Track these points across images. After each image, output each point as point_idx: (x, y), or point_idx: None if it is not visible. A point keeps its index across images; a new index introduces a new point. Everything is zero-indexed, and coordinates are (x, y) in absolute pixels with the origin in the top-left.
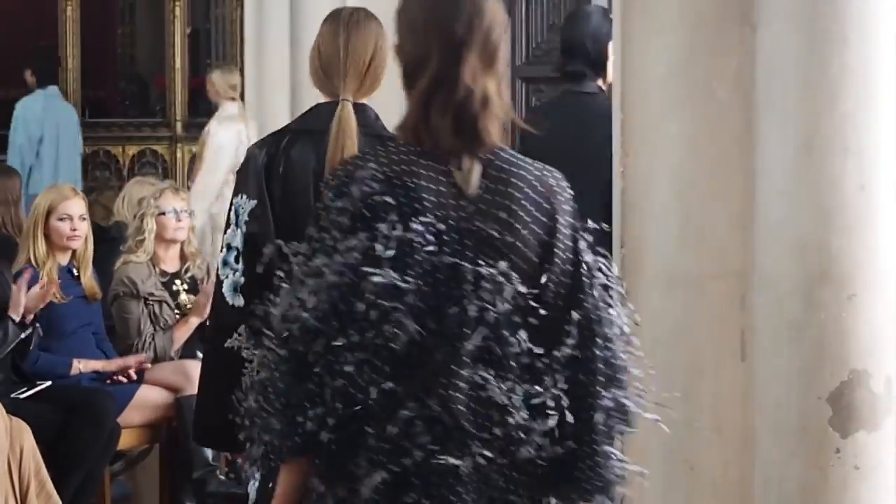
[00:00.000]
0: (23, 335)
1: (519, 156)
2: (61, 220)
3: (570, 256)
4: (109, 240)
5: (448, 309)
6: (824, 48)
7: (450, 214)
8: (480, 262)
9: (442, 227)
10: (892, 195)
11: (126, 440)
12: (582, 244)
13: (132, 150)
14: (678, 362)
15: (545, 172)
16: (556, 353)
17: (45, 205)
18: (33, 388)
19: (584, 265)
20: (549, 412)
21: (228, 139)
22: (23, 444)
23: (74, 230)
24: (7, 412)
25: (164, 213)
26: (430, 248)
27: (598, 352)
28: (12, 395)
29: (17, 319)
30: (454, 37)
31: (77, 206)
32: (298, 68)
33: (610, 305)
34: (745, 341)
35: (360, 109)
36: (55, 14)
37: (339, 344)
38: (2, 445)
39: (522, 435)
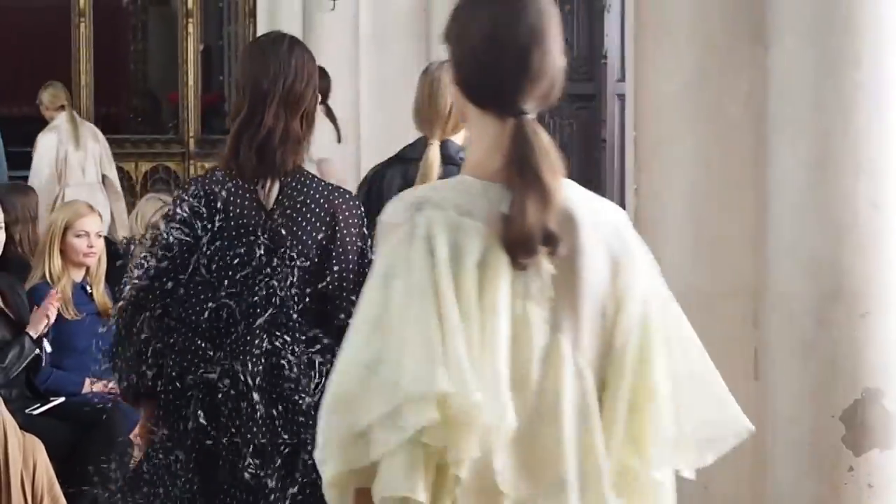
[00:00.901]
0: (38, 351)
1: (315, 178)
2: (78, 236)
3: (354, 258)
4: (122, 256)
5: (244, 290)
6: (837, 67)
7: (250, 221)
8: (272, 256)
9: (242, 230)
10: None
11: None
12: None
13: (145, 166)
14: None
15: (335, 193)
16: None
17: (61, 221)
18: (47, 404)
19: (366, 268)
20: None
21: (48, 145)
22: (36, 460)
23: (91, 247)
24: (21, 428)
25: None
26: (228, 243)
27: None
28: (26, 411)
29: (35, 336)
30: (261, 90)
31: (93, 222)
32: None
33: None
34: (758, 359)
35: (444, 145)
36: (69, 31)
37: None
38: (15, 461)
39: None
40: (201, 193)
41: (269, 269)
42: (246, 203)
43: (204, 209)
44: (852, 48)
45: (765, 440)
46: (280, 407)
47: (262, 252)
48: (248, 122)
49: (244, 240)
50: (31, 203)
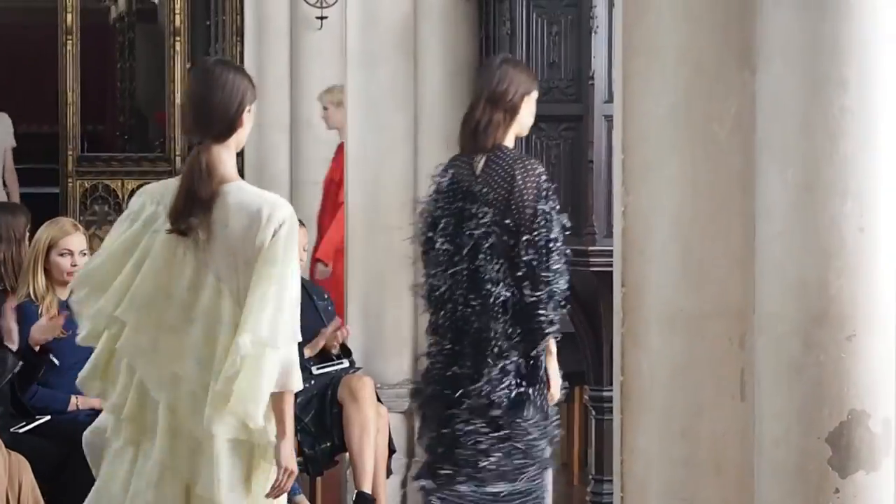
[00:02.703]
0: (20, 365)
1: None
2: (62, 255)
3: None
4: None
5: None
6: (824, 91)
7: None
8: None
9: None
10: (891, 237)
11: None
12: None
13: (131, 184)
14: (678, 401)
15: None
16: None
17: (45, 240)
18: (33, 422)
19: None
20: None
21: None
22: (21, 479)
23: (75, 265)
24: (6, 447)
25: None
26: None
27: None
28: (11, 430)
29: (14, 349)
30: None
31: (78, 240)
32: (298, 105)
33: None
34: (745, 381)
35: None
36: (56, 49)
37: None
38: (1, 480)
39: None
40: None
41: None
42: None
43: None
44: (840, 72)
45: (750, 461)
46: None
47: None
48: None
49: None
50: (20, 223)
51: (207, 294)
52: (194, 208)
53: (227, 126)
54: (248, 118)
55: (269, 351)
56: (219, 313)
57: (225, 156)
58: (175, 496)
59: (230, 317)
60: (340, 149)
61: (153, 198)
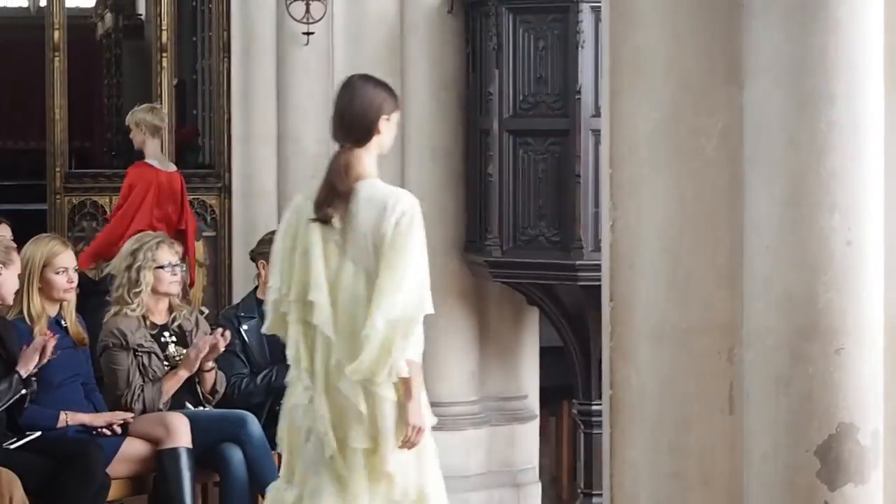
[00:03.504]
0: (24, 391)
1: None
2: (58, 273)
3: None
4: (101, 292)
5: None
6: (811, 105)
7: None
8: None
9: None
10: (878, 250)
11: (114, 492)
12: None
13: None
14: (666, 415)
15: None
16: None
17: (39, 259)
18: (23, 438)
19: None
20: None
21: None
22: (12, 495)
23: (71, 282)
24: None
25: (161, 267)
26: None
27: None
28: (2, 446)
29: (25, 375)
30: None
31: (70, 258)
32: (285, 120)
33: None
34: (733, 394)
35: None
36: (42, 65)
37: None
38: None
39: None
40: None
41: None
42: None
43: None
44: (827, 87)
45: (739, 474)
46: None
47: None
48: None
49: None
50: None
51: (347, 274)
52: (334, 200)
53: (364, 132)
54: (386, 125)
55: (398, 328)
56: (357, 292)
57: (364, 157)
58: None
59: (365, 295)
60: (135, 166)
61: (306, 194)
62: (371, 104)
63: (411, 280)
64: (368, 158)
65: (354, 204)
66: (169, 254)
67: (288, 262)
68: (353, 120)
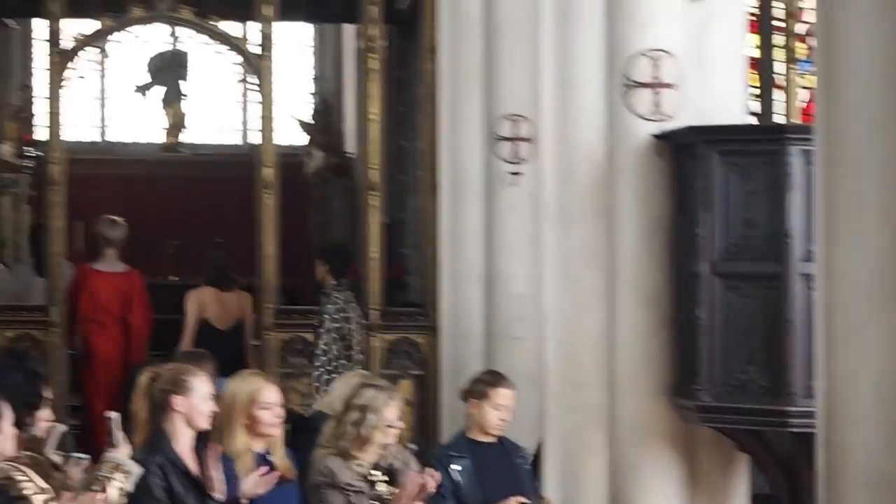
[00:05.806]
0: None
1: None
2: (264, 409)
3: None
4: (310, 429)
5: None
6: None
7: None
8: None
9: None
10: None
11: None
12: None
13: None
14: None
15: None
16: None
17: (246, 396)
18: None
19: None
20: None
21: None
22: None
23: (279, 417)
24: None
25: (389, 426)
26: None
27: None
28: None
29: (223, 500)
30: None
31: (276, 393)
32: (492, 259)
33: None
34: None
35: None
36: (251, 201)
37: None
38: None
39: None
40: None
41: None
42: None
43: None
44: None
45: None
46: None
47: None
48: None
49: None
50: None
51: None
52: None
53: None
54: None
55: None
56: None
57: None
58: None
59: None
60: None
61: None
62: None
63: None
64: None
65: None
66: (394, 410)
67: None
68: None
